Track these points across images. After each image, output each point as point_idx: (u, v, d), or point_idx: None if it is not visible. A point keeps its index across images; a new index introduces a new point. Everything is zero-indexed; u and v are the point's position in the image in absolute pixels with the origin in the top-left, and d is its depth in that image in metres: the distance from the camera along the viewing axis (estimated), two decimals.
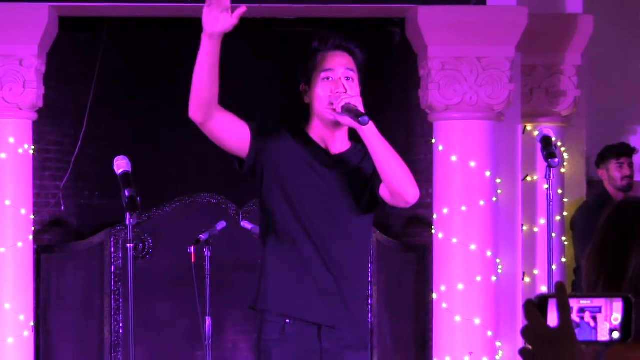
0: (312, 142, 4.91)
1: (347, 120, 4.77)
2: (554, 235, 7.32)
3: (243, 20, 7.91)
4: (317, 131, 4.94)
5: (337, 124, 4.82)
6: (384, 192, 4.79)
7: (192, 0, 7.39)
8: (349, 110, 4.76)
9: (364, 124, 4.70)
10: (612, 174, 8.46)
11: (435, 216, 7.54)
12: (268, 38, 8.11)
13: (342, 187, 4.86)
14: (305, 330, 4.84)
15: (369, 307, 7.73)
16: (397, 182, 4.72)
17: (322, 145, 4.93)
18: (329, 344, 4.84)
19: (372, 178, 4.80)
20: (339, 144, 4.92)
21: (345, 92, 4.80)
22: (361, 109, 4.72)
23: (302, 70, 4.96)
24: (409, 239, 8.05)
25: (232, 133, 4.91)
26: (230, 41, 7.84)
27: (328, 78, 4.89)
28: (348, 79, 4.87)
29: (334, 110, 4.78)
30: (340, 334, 4.86)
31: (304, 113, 4.95)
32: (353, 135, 4.82)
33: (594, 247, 2.65)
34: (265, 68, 8.10)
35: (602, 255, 2.61)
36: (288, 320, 4.80)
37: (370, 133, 4.73)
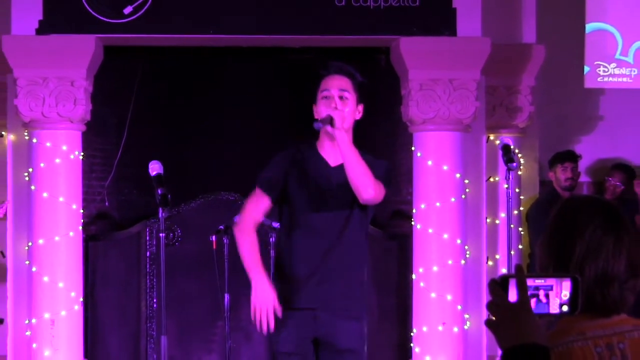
0: (318, 155, 4.91)
1: (328, 129, 4.78)
2: (512, 226, 7.31)
3: (256, 49, 7.95)
4: (323, 144, 4.93)
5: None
6: None
7: (215, 32, 7.39)
8: (322, 120, 4.78)
9: (316, 128, 4.78)
10: (559, 176, 8.46)
11: (414, 210, 7.53)
12: (275, 64, 8.09)
13: (341, 192, 4.85)
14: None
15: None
16: (356, 183, 4.72)
17: (326, 157, 4.92)
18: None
19: None
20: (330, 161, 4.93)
21: (336, 109, 4.81)
22: (339, 121, 4.74)
23: (313, 94, 4.97)
24: (392, 229, 8.04)
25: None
26: (242, 67, 7.88)
27: (326, 97, 4.89)
28: (342, 98, 4.86)
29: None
30: (334, 307, 4.87)
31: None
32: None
33: (546, 236, 2.65)
34: (273, 90, 8.09)
35: (553, 243, 2.61)
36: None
37: (340, 140, 4.74)
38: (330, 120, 4.75)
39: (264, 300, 4.72)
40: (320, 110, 4.87)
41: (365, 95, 4.98)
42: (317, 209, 4.85)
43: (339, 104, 4.84)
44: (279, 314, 4.73)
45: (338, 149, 4.80)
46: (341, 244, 4.86)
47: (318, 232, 4.87)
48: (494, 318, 2.22)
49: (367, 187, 4.73)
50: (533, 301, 2.25)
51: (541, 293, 2.25)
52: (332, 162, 4.92)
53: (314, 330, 4.88)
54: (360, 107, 4.95)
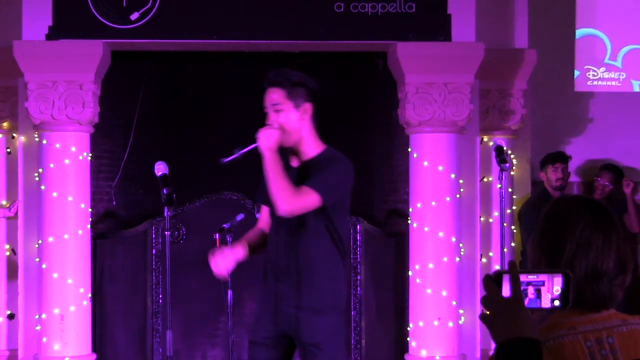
0: (287, 155, 4.97)
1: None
2: (505, 224, 7.32)
3: (258, 53, 7.95)
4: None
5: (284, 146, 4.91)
6: None
7: (218, 37, 7.39)
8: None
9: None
10: (549, 176, 8.46)
11: (410, 209, 7.53)
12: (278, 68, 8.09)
13: None
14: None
15: (358, 282, 7.74)
16: (272, 197, 4.73)
17: (292, 157, 4.98)
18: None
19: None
20: (294, 161, 4.97)
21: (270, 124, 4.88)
22: (260, 140, 4.79)
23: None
24: (389, 228, 8.04)
25: None
26: (243, 71, 7.88)
27: (267, 112, 4.93)
28: (276, 111, 4.88)
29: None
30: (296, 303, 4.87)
31: None
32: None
33: (537, 234, 2.65)
34: None
35: (544, 241, 2.61)
36: None
37: (264, 158, 4.78)
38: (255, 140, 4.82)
39: (214, 265, 4.88)
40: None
41: (311, 93, 4.93)
42: None
43: (272, 118, 4.87)
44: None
45: (294, 153, 4.90)
46: (298, 241, 4.85)
47: (278, 230, 4.92)
48: (488, 313, 2.22)
49: (281, 202, 4.70)
50: (526, 296, 2.25)
51: (530, 289, 2.25)
52: (294, 162, 4.94)
53: (280, 325, 4.90)
54: (307, 106, 4.91)
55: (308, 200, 4.71)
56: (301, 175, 4.84)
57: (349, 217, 4.97)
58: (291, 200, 4.69)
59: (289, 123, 4.85)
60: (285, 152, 4.95)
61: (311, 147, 4.93)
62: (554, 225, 2.61)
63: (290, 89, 4.88)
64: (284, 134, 4.83)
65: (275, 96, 4.87)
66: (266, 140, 4.77)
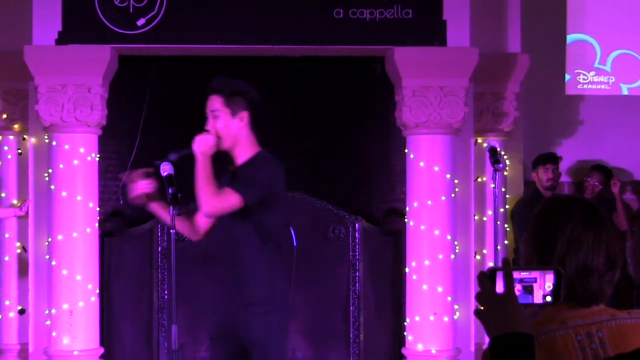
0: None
1: None
2: (498, 223, 7.33)
3: (260, 58, 7.94)
4: None
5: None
6: None
7: (221, 42, 7.40)
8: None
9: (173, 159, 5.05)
10: (540, 177, 8.47)
11: (407, 208, 7.53)
12: (277, 72, 8.09)
13: None
14: None
15: (357, 279, 7.73)
16: (198, 197, 4.86)
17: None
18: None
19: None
20: (232, 165, 5.08)
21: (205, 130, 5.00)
22: (195, 144, 4.91)
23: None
24: (387, 226, 8.03)
25: None
26: (246, 75, 7.86)
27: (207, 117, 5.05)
28: (215, 117, 4.96)
29: None
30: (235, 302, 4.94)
31: None
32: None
33: (529, 232, 2.65)
34: (275, 96, 8.07)
35: (537, 239, 2.61)
36: None
37: (196, 161, 4.91)
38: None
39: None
40: None
41: (250, 102, 5.03)
42: None
43: (211, 124, 4.99)
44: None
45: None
46: (232, 240, 4.97)
47: (218, 230, 5.10)
48: (482, 308, 2.22)
49: (203, 202, 4.85)
50: (518, 292, 2.25)
51: (517, 286, 2.25)
52: (235, 163, 5.05)
53: (228, 323, 4.98)
54: (243, 114, 5.00)
55: (229, 201, 4.83)
56: (233, 178, 4.97)
57: (281, 214, 5.01)
58: (212, 201, 4.84)
59: (224, 129, 4.97)
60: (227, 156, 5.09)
61: (244, 151, 5.02)
62: (545, 224, 2.61)
63: (229, 97, 5.01)
64: (219, 139, 4.96)
65: (214, 103, 5.03)
66: (200, 145, 4.91)
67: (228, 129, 4.97)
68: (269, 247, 4.94)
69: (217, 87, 5.04)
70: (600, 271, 2.56)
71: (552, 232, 2.57)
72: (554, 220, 2.59)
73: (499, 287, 2.20)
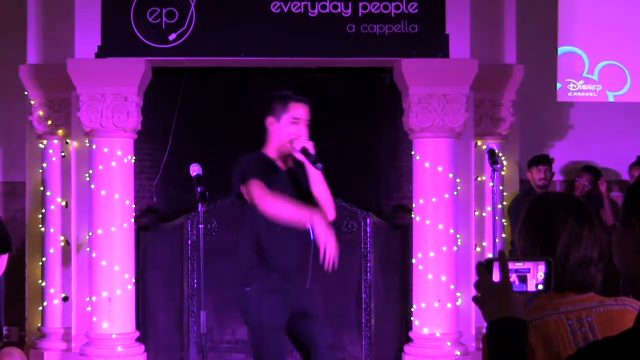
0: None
1: (303, 158, 4.93)
2: (497, 218, 7.32)
3: (280, 69, 7.94)
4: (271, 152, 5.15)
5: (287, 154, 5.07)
6: None
7: (245, 55, 7.40)
8: (306, 153, 4.88)
9: (319, 170, 4.93)
10: (534, 176, 8.48)
11: (414, 205, 7.51)
12: (296, 82, 8.09)
13: None
14: None
15: (368, 269, 7.72)
16: (320, 201, 4.95)
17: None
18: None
19: None
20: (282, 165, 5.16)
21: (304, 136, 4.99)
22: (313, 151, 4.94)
23: (275, 109, 5.02)
24: (395, 221, 8.02)
25: None
26: (267, 84, 7.88)
27: (299, 124, 5.02)
28: (305, 124, 4.98)
29: (293, 147, 4.95)
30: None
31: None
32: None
33: (528, 228, 2.64)
34: None
35: (538, 234, 2.60)
36: None
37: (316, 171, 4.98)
38: (316, 161, 5.02)
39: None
40: (288, 131, 5.07)
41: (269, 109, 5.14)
42: None
43: (302, 130, 5.10)
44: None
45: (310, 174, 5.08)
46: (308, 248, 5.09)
47: (297, 238, 5.16)
48: (480, 295, 2.21)
49: (331, 210, 5.14)
50: (514, 282, 2.23)
51: (513, 276, 2.23)
52: (288, 164, 5.12)
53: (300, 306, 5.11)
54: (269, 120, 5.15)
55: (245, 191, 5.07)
56: (293, 177, 5.03)
57: (252, 206, 5.01)
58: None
59: (306, 135, 5.07)
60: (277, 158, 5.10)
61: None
62: (545, 220, 2.60)
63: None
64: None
65: (306, 112, 5.07)
66: (313, 150, 4.97)
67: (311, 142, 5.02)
68: (245, 232, 5.15)
69: (302, 99, 5.06)
70: (595, 262, 2.57)
71: (555, 229, 2.58)
72: (553, 218, 2.59)
73: (496, 277, 2.19)
